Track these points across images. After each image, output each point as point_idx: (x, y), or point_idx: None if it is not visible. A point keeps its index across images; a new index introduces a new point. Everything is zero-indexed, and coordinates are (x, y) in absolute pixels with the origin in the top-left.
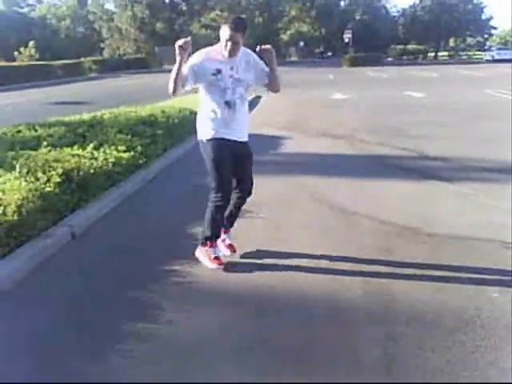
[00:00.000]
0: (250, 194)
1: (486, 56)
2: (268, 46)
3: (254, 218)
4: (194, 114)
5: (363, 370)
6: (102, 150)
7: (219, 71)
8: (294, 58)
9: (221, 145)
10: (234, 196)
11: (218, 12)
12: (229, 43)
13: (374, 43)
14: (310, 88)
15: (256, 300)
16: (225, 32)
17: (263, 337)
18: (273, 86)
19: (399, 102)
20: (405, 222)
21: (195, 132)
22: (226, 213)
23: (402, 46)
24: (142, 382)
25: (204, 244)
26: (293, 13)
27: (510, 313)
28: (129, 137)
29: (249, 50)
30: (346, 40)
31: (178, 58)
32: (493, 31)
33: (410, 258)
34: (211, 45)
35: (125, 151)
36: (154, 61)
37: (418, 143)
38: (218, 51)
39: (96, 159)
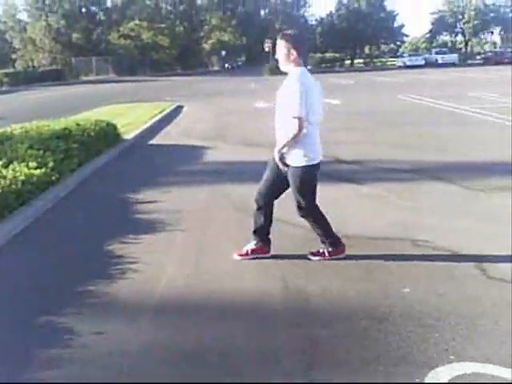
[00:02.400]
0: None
1: (399, 62)
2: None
3: (174, 232)
4: (110, 125)
5: (283, 376)
6: (11, 167)
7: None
8: (216, 68)
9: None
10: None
11: (137, 21)
12: (277, 54)
13: None
14: (233, 97)
15: (175, 315)
16: (277, 45)
17: (184, 351)
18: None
19: None
20: None
21: (113, 144)
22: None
23: (320, 55)
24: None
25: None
26: (214, 22)
27: (419, 307)
28: (41, 152)
29: (295, 72)
30: (267, 49)
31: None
32: (405, 38)
33: (326, 261)
34: (130, 55)
35: (36, 168)
36: (70, 72)
37: (333, 148)
38: None
39: (4, 178)
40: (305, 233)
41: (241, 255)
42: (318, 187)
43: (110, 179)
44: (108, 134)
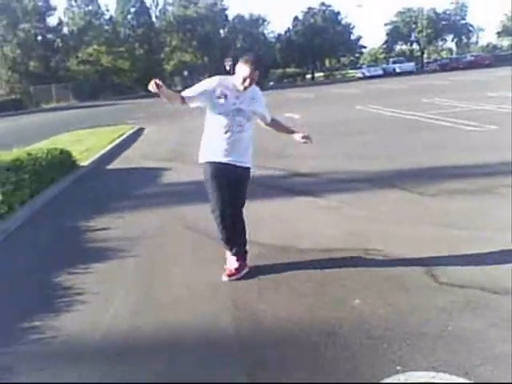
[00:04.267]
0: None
1: (358, 74)
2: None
3: (125, 258)
4: (65, 153)
5: None
6: None
7: (225, 96)
8: (179, 88)
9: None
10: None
11: (95, 46)
12: (247, 80)
13: None
14: (193, 116)
15: (120, 348)
16: (244, 70)
17: None
18: (276, 126)
19: None
20: (278, 241)
21: (68, 171)
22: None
23: (281, 70)
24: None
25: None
26: (174, 43)
27: (368, 319)
28: None
29: (256, 87)
30: (227, 68)
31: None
32: (363, 50)
33: (279, 277)
34: (90, 80)
35: None
36: (30, 101)
37: (292, 162)
38: (231, 81)
39: None
40: (260, 249)
41: (229, 275)
42: (277, 203)
43: (62, 208)
44: (62, 162)
